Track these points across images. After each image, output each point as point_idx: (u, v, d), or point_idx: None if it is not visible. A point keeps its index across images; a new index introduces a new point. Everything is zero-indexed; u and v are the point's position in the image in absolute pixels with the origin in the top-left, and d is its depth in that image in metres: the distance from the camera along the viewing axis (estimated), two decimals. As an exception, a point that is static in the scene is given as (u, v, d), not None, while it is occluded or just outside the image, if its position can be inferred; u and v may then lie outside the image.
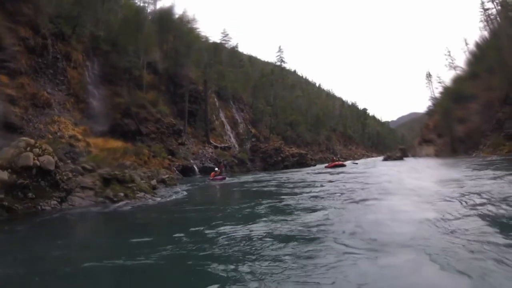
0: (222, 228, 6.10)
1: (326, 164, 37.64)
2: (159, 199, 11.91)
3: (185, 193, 14.52)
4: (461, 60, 71.75)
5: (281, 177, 21.47)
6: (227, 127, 54.55)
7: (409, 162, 33.83)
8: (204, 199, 13.99)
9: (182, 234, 5.80)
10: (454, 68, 57.04)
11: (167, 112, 37.66)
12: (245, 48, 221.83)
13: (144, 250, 4.89)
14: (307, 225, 5.73)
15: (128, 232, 7.08)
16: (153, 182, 13.87)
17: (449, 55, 58.23)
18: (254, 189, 15.23)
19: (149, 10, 50.42)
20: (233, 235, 5.41)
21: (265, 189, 14.41)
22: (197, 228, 6.32)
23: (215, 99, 53.89)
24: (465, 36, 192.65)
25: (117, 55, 31.83)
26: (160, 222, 8.42)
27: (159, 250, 4.80)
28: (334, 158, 47.87)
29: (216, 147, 44.09)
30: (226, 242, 5.03)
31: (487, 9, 48.37)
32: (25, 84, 22.03)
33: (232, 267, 3.87)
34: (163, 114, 35.62)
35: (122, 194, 10.50)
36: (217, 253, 4.57)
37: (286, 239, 4.94)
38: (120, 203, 10.23)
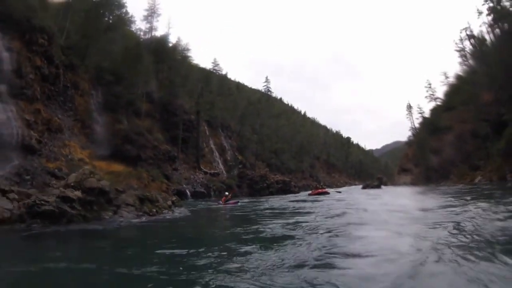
0: (220, 242, 7.65)
1: (310, 192, 38.12)
2: (179, 215, 14.41)
3: (191, 213, 16.81)
4: (441, 92, 72.77)
5: (266, 203, 22.44)
6: (216, 154, 56.63)
7: (384, 190, 36.70)
8: (209, 218, 16.64)
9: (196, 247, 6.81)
10: (435, 99, 57.87)
11: (162, 138, 39.74)
12: (233, 74, 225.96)
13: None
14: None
15: (168, 238, 9.17)
16: (169, 202, 15.89)
17: (430, 87, 58.48)
18: (251, 213, 16.42)
19: (144, 38, 53.15)
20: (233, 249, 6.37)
21: (260, 213, 15.59)
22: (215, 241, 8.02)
23: (205, 127, 56.30)
24: (450, 61, 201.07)
25: (119, 86, 34.06)
26: (186, 231, 10.69)
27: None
28: (318, 186, 45.81)
29: (206, 173, 46.07)
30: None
31: (462, 49, 50.89)
32: (41, 110, 23.87)
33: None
34: (159, 141, 37.65)
35: (154, 210, 12.90)
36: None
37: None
38: (154, 217, 12.62)
